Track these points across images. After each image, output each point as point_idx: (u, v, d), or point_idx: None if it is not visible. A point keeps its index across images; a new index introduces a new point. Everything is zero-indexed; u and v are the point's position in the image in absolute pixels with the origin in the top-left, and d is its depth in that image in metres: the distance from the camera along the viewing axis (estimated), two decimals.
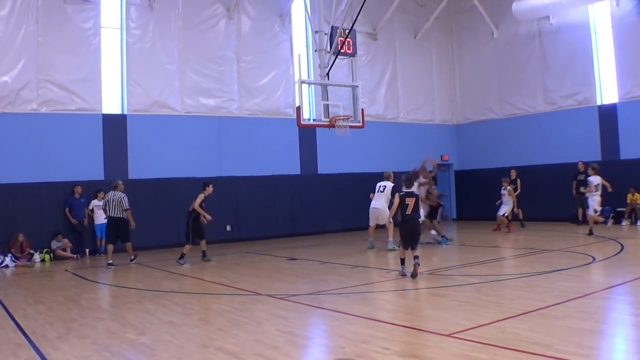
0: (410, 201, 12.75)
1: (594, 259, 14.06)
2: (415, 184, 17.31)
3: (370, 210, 18.61)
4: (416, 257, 12.56)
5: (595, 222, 19.87)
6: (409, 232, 12.77)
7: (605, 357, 6.97)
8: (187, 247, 17.22)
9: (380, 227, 18.96)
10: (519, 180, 23.32)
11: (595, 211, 19.82)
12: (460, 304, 9.77)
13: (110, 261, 17.09)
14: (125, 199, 17.39)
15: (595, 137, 24.99)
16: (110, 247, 17.58)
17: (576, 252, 15.63)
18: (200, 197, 17.21)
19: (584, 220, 22.90)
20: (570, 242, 18.37)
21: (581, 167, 23.34)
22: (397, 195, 13.09)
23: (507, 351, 6.78)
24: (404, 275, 12.76)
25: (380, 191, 18.47)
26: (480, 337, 7.40)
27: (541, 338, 7.27)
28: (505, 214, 22.37)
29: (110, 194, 17.54)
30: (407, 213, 12.76)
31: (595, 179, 19.93)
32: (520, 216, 23.63)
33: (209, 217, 17.41)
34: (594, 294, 9.97)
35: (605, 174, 22.76)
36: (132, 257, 17.83)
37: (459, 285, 11.63)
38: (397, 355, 6.93)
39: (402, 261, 12.90)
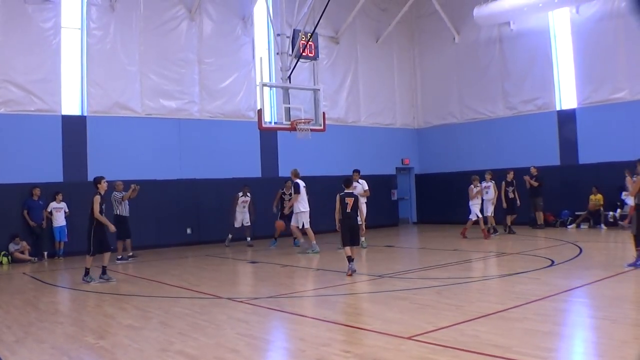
0: (350, 201, 13.91)
1: (552, 262, 14.20)
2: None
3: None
4: (351, 259, 13.64)
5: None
6: (349, 229, 13.82)
7: (563, 359, 7.04)
8: (89, 259, 14.20)
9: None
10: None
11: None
12: (420, 307, 9.81)
13: (130, 254, 18.99)
14: (117, 195, 18.58)
15: (554, 142, 25.29)
16: (119, 243, 18.77)
17: (535, 255, 15.78)
18: (97, 199, 14.22)
19: (541, 223, 23.38)
20: (530, 245, 18.54)
21: (533, 171, 23.81)
22: (338, 195, 14.11)
23: (467, 353, 6.81)
24: (353, 271, 13.49)
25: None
26: (440, 340, 7.43)
27: (500, 340, 7.33)
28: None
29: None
30: (347, 211, 13.88)
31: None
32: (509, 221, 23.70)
33: (112, 227, 14.52)
34: (552, 296, 10.06)
35: (564, 178, 23.11)
36: (119, 256, 18.55)
37: (419, 288, 11.68)
38: (357, 358, 6.93)
39: (350, 259, 13.64)
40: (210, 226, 23.38)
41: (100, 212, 14.13)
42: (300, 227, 19.17)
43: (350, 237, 13.79)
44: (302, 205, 18.99)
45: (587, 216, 23.36)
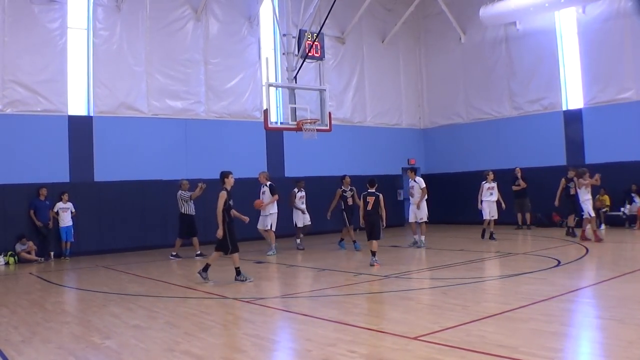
0: (371, 200, 15.28)
1: (559, 262, 14.19)
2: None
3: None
4: (373, 253, 15.09)
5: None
6: (369, 225, 15.30)
7: (570, 359, 7.03)
8: (236, 257, 13.89)
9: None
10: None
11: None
12: (426, 307, 9.82)
13: (174, 253, 19.21)
14: (184, 194, 19.25)
15: (560, 142, 25.25)
16: (178, 240, 19.47)
17: (541, 255, 15.76)
18: (222, 195, 13.84)
19: (529, 224, 23.73)
20: (536, 245, 18.51)
21: (518, 172, 24.53)
22: (362, 195, 15.63)
23: (473, 354, 6.81)
24: (372, 265, 14.84)
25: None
26: (446, 340, 7.44)
27: (506, 340, 7.33)
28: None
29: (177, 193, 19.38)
30: (367, 209, 15.30)
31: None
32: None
33: (245, 218, 14.53)
34: (559, 296, 10.06)
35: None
36: (198, 252, 18.93)
37: (425, 289, 11.69)
38: (363, 358, 6.94)
39: (373, 253, 15.10)
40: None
41: (228, 208, 13.77)
42: (268, 228, 19.08)
43: (371, 233, 15.21)
44: (273, 207, 19.07)
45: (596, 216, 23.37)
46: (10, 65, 20.01)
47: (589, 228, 19.02)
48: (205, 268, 13.67)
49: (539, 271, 13.06)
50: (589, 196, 19.19)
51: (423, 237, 19.28)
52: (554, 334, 7.83)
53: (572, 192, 20.41)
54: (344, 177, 20.08)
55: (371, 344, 7.71)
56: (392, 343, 7.58)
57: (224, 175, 14.09)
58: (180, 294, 12.21)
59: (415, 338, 7.65)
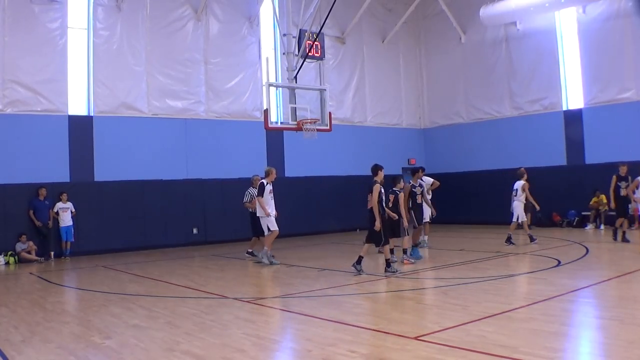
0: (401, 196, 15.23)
1: (559, 262, 14.18)
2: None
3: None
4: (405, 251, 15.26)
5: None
6: (389, 224, 14.26)
7: (570, 359, 7.03)
8: (387, 249, 13.72)
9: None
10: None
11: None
12: (426, 307, 9.83)
13: (250, 250, 18.06)
14: (249, 193, 18.51)
15: (560, 142, 25.25)
16: (253, 239, 18.14)
17: (542, 255, 15.76)
18: (377, 188, 13.69)
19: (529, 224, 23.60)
20: (536, 245, 18.49)
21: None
22: (411, 192, 16.15)
23: (473, 354, 6.81)
24: (402, 261, 15.00)
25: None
26: (446, 340, 7.43)
27: (507, 341, 7.33)
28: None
29: None
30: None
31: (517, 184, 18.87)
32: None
33: (394, 216, 14.55)
34: (559, 296, 10.05)
35: (570, 179, 23.01)
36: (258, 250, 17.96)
37: (425, 289, 11.69)
38: (363, 358, 6.94)
39: (392, 251, 14.20)
40: (217, 226, 23.38)
41: (380, 201, 13.62)
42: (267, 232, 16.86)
43: (392, 233, 14.49)
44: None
45: (595, 216, 23.33)
46: (11, 65, 20.00)
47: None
48: (359, 261, 13.74)
49: (539, 271, 13.07)
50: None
51: (426, 237, 19.23)
52: (554, 334, 7.83)
53: (623, 193, 18.29)
54: (409, 171, 17.95)
55: (371, 344, 7.72)
56: (392, 343, 7.58)
57: (378, 168, 14.22)
58: (181, 294, 12.21)
59: (415, 338, 7.65)
